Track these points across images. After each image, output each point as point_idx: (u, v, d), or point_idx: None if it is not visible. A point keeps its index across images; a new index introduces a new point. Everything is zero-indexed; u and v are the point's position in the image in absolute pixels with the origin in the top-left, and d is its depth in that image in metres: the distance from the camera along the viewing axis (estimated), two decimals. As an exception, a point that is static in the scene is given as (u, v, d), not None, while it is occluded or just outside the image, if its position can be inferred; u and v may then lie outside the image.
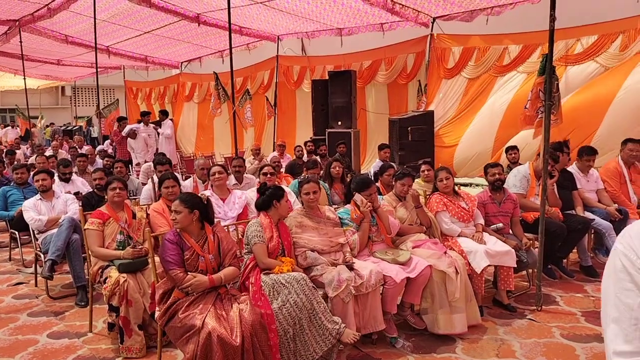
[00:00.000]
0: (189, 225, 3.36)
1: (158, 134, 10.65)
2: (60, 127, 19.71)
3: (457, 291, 3.83)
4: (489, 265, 4.18)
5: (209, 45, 13.22)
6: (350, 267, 3.67)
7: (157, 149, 10.48)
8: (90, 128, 20.27)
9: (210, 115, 10.32)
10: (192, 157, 11.57)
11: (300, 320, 3.23)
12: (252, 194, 5.01)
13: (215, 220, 3.77)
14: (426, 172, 5.20)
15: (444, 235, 4.44)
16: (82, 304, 4.73)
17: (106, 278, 3.83)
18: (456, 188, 4.70)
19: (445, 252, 4.01)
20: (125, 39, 12.82)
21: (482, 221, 4.56)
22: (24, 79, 13.23)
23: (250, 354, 2.99)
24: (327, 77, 10.47)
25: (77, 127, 19.63)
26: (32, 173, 6.73)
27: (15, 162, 8.09)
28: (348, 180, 5.00)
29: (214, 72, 7.58)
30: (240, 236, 4.20)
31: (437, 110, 9.41)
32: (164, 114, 11.27)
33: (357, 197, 3.99)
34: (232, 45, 7.30)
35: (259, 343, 3.05)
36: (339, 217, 4.04)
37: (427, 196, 4.72)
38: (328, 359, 3.35)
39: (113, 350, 3.83)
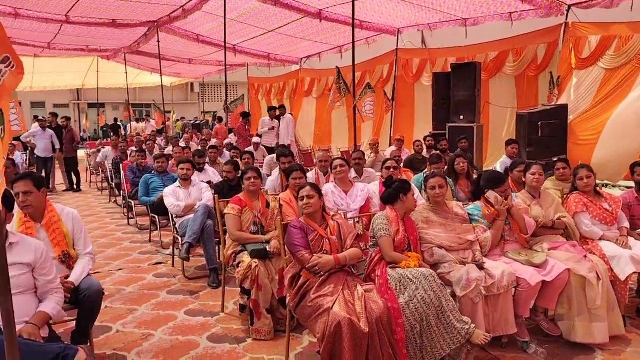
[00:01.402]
0: (317, 211, 3.49)
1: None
2: (190, 121, 21.19)
3: (598, 298, 3.54)
4: (634, 273, 3.82)
5: (328, 41, 13.44)
6: (481, 267, 3.53)
7: (277, 143, 10.89)
8: (215, 122, 21.59)
9: (328, 109, 10.52)
10: (309, 151, 11.85)
11: (428, 317, 3.17)
12: (374, 187, 5.02)
13: (332, 212, 3.86)
14: (562, 170, 4.85)
15: (584, 238, 4.12)
16: (214, 285, 5.04)
17: (239, 262, 4.04)
18: (597, 188, 4.35)
19: (585, 256, 3.73)
20: (250, 38, 13.43)
21: (627, 224, 4.18)
22: (161, 77, 14.35)
23: (376, 341, 3.00)
24: (449, 70, 10.18)
25: (204, 121, 20.99)
26: (170, 162, 7.30)
27: (155, 153, 8.79)
28: (475, 176, 4.82)
29: (336, 66, 7.70)
30: (363, 229, 4.22)
31: (568, 103, 8.75)
32: (283, 108, 11.68)
33: (491, 194, 3.83)
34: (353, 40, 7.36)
35: (385, 333, 3.05)
36: (468, 214, 3.91)
37: (565, 196, 4.41)
38: (456, 359, 3.26)
39: (243, 330, 4.04)
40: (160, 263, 5.94)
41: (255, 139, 10.36)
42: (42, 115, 18.58)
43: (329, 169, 5.77)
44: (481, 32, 10.31)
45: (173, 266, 5.76)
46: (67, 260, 3.47)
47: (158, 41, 12.46)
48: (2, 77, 1.86)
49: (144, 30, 13.20)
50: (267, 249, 4.02)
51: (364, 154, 6.47)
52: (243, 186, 4.49)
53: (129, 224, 8.05)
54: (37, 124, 11.95)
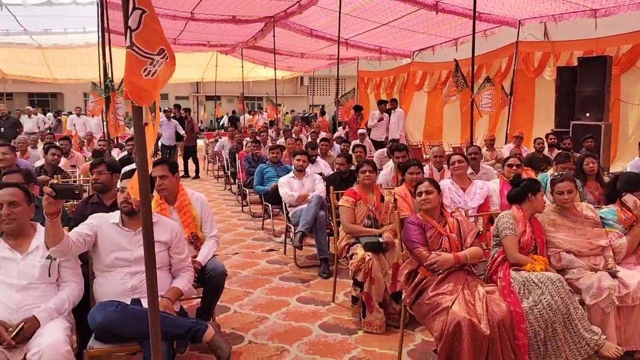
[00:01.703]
0: (435, 207, 3.41)
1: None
2: (299, 114, 21.73)
3: None
4: None
5: (443, 34, 13.08)
6: (614, 275, 3.27)
7: (386, 137, 10.82)
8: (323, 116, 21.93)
9: (441, 103, 10.28)
10: (419, 146, 11.65)
11: (554, 323, 2.99)
12: (494, 186, 4.82)
13: (452, 209, 3.74)
14: None
15: None
16: (324, 275, 5.13)
17: (352, 255, 4.07)
18: None
19: None
20: (363, 32, 13.42)
21: None
22: (275, 70, 14.81)
23: (497, 345, 2.88)
24: (574, 64, 9.49)
25: (312, 114, 21.40)
26: (283, 153, 7.51)
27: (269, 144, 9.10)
28: (607, 178, 4.46)
29: (454, 59, 7.48)
30: (482, 228, 4.07)
31: None
32: (394, 102, 11.56)
33: (629, 197, 3.52)
34: (469, 33, 7.09)
35: (507, 338, 2.92)
36: (601, 217, 3.63)
37: None
38: (583, 371, 3.05)
39: (354, 322, 4.07)
40: (272, 250, 6.15)
41: (360, 130, 10.37)
42: (166, 106, 19.98)
43: (444, 165, 5.64)
44: (612, 24, 9.48)
45: (285, 254, 5.94)
46: (195, 242, 3.70)
47: (274, 36, 12.85)
48: (158, 68, 2.01)
49: (260, 25, 13.67)
50: (381, 242, 4.01)
51: (480, 148, 6.24)
52: (358, 179, 4.50)
53: (242, 211, 8.42)
54: (162, 114, 12.86)
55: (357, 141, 9.57)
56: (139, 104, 2.02)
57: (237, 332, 3.93)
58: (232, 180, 10.03)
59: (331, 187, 4.75)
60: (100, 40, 6.11)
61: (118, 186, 3.89)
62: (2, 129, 11.80)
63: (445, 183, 4.70)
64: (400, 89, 16.24)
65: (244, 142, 10.11)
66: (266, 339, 3.79)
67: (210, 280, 3.52)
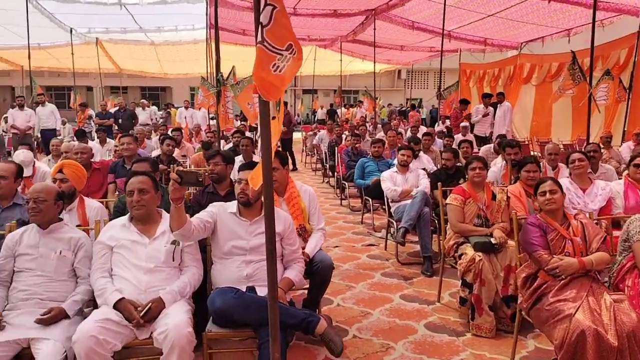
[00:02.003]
0: (559, 208, 3.24)
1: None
2: (396, 107, 21.50)
3: None
4: None
5: (554, 24, 12.31)
6: None
7: (491, 132, 10.40)
8: (419, 109, 21.56)
9: (553, 97, 9.66)
10: (525, 142, 11.07)
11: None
12: (617, 187, 4.47)
13: (575, 211, 3.49)
14: None
15: None
16: (428, 273, 5.03)
17: (461, 254, 3.94)
18: None
19: None
20: (467, 23, 12.97)
21: None
22: (374, 64, 14.72)
23: (626, 358, 2.66)
24: None
25: (409, 108, 21.08)
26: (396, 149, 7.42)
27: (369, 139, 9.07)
28: None
29: (571, 51, 6.99)
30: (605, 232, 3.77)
31: None
32: (501, 95, 11.07)
33: None
34: (584, 23, 6.60)
35: (638, 351, 2.68)
36: None
37: None
38: None
39: (462, 324, 3.95)
40: (372, 245, 6.12)
41: (463, 124, 10.04)
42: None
43: (559, 163, 5.32)
44: None
45: (385, 249, 5.90)
46: (303, 233, 3.76)
47: (374, 29, 12.77)
48: (286, 64, 2.04)
49: (361, 19, 13.64)
50: (493, 242, 3.85)
51: (599, 146, 5.81)
52: (466, 175, 4.34)
53: (341, 204, 8.47)
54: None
55: (460, 135, 9.29)
56: (267, 98, 2.07)
57: (341, 325, 3.95)
58: (330, 173, 10.13)
59: (439, 184, 4.63)
60: (214, 36, 6.37)
61: (233, 177, 4.06)
62: (120, 121, 12.73)
63: (564, 182, 4.41)
64: (505, 82, 15.51)
65: (343, 136, 10.15)
66: (370, 335, 3.78)
67: (317, 273, 3.56)
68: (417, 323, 3.98)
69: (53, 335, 2.68)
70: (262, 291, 3.00)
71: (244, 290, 2.98)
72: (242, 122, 13.39)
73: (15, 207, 3.68)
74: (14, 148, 11.19)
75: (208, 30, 12.26)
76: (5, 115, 11.54)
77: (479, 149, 8.66)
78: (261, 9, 1.98)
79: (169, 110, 17.99)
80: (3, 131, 12.66)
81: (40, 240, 3.00)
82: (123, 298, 2.80)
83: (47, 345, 2.62)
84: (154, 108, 15.17)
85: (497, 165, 5.76)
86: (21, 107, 11.42)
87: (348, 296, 4.53)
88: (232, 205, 3.22)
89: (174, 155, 6.85)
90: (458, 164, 5.81)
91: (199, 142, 10.18)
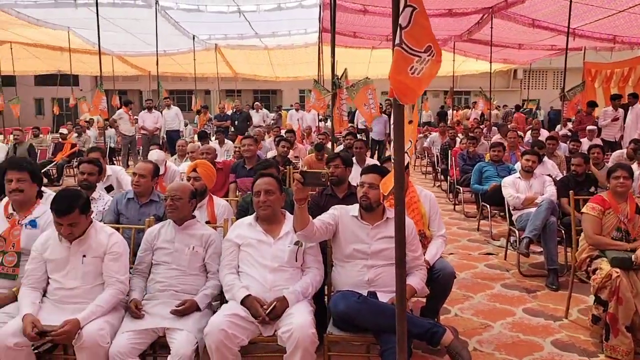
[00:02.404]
0: None
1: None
2: (512, 109, 20.46)
3: None
4: None
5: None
6: None
7: (621, 136, 9.55)
8: (537, 111, 20.35)
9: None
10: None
11: None
12: None
13: None
14: None
15: None
16: (553, 287, 4.71)
17: (595, 269, 3.63)
18: None
19: None
20: (594, 20, 12.03)
21: None
22: (490, 63, 14.14)
23: None
24: None
25: (527, 109, 19.99)
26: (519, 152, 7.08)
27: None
28: None
29: None
30: None
31: None
32: (634, 97, 10.12)
33: None
34: None
35: None
36: None
37: None
38: None
39: (594, 344, 3.64)
40: (490, 254, 5.85)
41: (590, 127, 9.30)
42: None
43: None
44: None
45: (505, 259, 5.61)
46: (423, 240, 3.66)
47: (491, 27, 12.26)
48: (424, 66, 1.98)
49: (477, 17, 13.15)
50: (633, 259, 3.50)
51: None
52: (608, 185, 3.98)
53: (454, 210, 8.21)
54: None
55: (586, 139, 8.62)
56: (403, 102, 2.03)
57: (460, 336, 3.80)
58: (442, 177, 9.86)
59: (570, 192, 4.30)
60: (329, 39, 6.46)
61: (351, 181, 4.06)
62: (236, 123, 13.34)
63: None
64: (636, 83, 14.18)
65: (457, 139, 9.84)
66: (492, 349, 3.60)
67: (438, 281, 3.45)
68: (543, 340, 3.73)
69: (186, 326, 2.83)
70: (383, 297, 2.96)
71: (365, 294, 2.96)
72: (351, 124, 13.46)
73: (152, 203, 3.96)
74: (143, 148, 12.15)
75: (320, 34, 12.49)
76: (135, 117, 12.55)
77: (607, 155, 7.99)
78: (400, 11, 1.94)
79: (279, 112, 18.58)
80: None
81: (176, 235, 3.19)
82: (250, 295, 2.89)
83: (180, 336, 2.77)
84: (266, 111, 15.72)
85: (635, 173, 5.26)
86: (150, 109, 12.36)
87: (466, 306, 4.36)
88: (354, 209, 3.22)
89: (288, 156, 7.03)
90: (588, 171, 5.38)
91: (309, 144, 10.38)
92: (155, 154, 5.46)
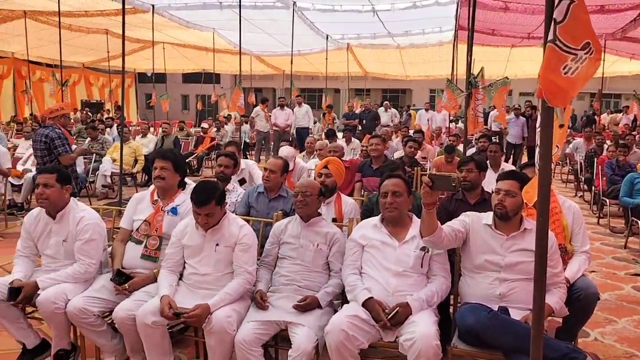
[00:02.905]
0: None
1: None
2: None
3: None
4: None
5: None
6: None
7: None
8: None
9: None
10: None
11: None
12: None
13: None
14: None
15: None
16: None
17: None
18: None
19: None
20: None
21: None
22: (645, 63, 12.70)
23: None
24: None
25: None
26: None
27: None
28: None
29: None
30: None
31: None
32: None
33: None
34: None
35: None
36: None
37: None
38: None
39: None
40: (639, 275, 5.24)
41: None
42: (508, 103, 19.45)
43: None
44: None
45: (659, 282, 4.99)
46: (563, 255, 3.35)
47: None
48: (580, 65, 1.78)
49: (633, 14, 11.87)
50: None
51: None
52: None
53: (598, 223, 7.46)
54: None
55: None
56: (552, 104, 1.84)
57: (602, 364, 3.43)
58: (585, 187, 9.04)
59: None
60: (466, 38, 6.18)
61: (484, 186, 3.84)
62: (365, 121, 13.38)
63: None
64: None
65: (605, 146, 8.95)
66: (639, 383, 3.20)
67: (579, 300, 3.13)
68: None
69: (308, 322, 2.86)
70: (516, 314, 2.75)
71: (496, 309, 2.76)
72: (485, 127, 12.84)
73: (280, 198, 4.07)
74: (274, 144, 12.66)
75: (456, 32, 12.06)
76: (269, 114, 13.10)
77: None
78: (556, 4, 1.75)
79: (409, 112, 18.32)
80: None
81: (302, 231, 3.23)
82: (372, 297, 2.84)
83: (302, 331, 2.80)
84: (395, 110, 15.58)
85: None
86: (282, 107, 12.83)
87: (608, 331, 3.94)
88: (487, 217, 3.02)
89: (415, 157, 6.87)
90: None
91: (439, 145, 10.08)
92: (285, 150, 5.62)
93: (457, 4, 10.95)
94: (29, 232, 3.34)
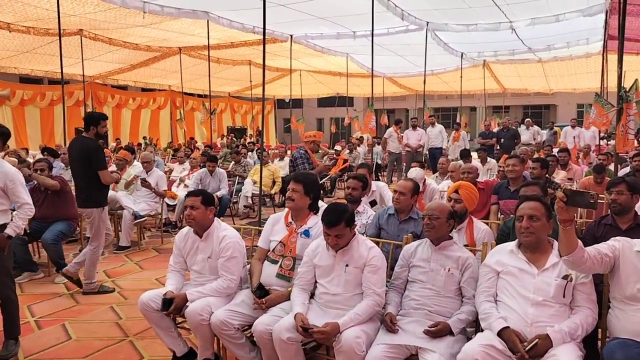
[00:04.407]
0: None
1: None
2: None
3: None
4: None
5: None
6: None
7: None
8: None
9: None
10: None
11: None
12: None
13: None
14: None
15: None
16: None
17: None
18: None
19: None
20: None
21: None
22: None
23: None
24: None
25: None
26: None
27: None
28: None
29: None
30: None
31: None
32: None
33: None
34: None
35: None
36: None
37: None
38: None
39: None
40: None
41: None
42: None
43: None
44: None
45: None
46: None
47: None
48: None
49: None
50: None
51: None
52: None
53: None
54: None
55: None
56: None
57: None
58: None
59: None
60: (617, 48, 5.67)
61: (638, 210, 3.49)
62: (503, 140, 12.79)
63: None
64: None
65: None
66: None
67: None
68: None
69: (439, 348, 2.79)
70: (675, 354, 2.43)
71: (651, 347, 2.47)
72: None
73: (411, 220, 4.04)
74: (406, 164, 12.59)
75: (605, 42, 11.10)
76: (402, 135, 13.08)
77: None
78: None
79: (555, 129, 17.17)
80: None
81: (432, 255, 3.18)
82: (508, 327, 2.69)
83: (433, 357, 2.73)
84: (538, 128, 14.66)
85: None
86: (414, 127, 12.75)
87: None
88: (639, 243, 2.73)
89: (557, 179, 6.41)
90: None
91: (587, 165, 9.30)
92: (414, 172, 5.57)
93: (606, 13, 10.10)
94: (180, 248, 3.69)
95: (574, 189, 3.40)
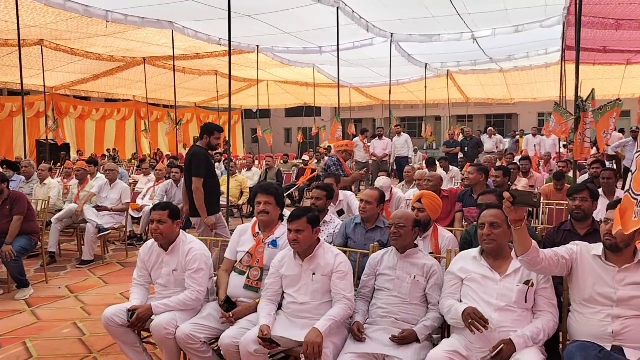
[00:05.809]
0: None
1: None
2: None
3: None
4: None
5: None
6: None
7: None
8: None
9: None
10: None
11: None
12: None
13: None
14: None
15: None
16: None
17: None
18: None
19: None
20: None
21: None
22: None
23: None
24: None
25: None
26: None
27: None
28: None
29: None
30: None
31: None
32: None
33: None
34: None
35: None
36: None
37: None
38: None
39: None
40: None
41: None
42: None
43: None
44: None
45: None
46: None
47: None
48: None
49: None
50: None
51: None
52: None
53: None
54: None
55: None
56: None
57: None
58: None
59: None
60: (573, 58, 5.88)
61: (595, 216, 3.60)
62: (467, 149, 13.04)
63: None
64: None
65: None
66: None
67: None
68: None
69: (406, 356, 2.82)
70: (632, 354, 2.52)
71: (608, 349, 2.55)
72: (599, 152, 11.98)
73: (377, 229, 4.08)
74: (373, 174, 12.70)
75: (563, 53, 11.49)
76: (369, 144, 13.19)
77: None
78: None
79: (517, 138, 17.61)
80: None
81: (398, 263, 3.22)
82: (471, 306, 2.76)
83: None
84: (500, 136, 15.01)
85: None
86: (380, 137, 12.88)
87: None
88: (597, 247, 2.82)
89: (519, 186, 6.58)
90: None
91: (548, 172, 9.57)
92: (381, 181, 5.63)
93: (563, 25, 10.47)
94: (144, 262, 3.62)
95: (520, 190, 3.54)
